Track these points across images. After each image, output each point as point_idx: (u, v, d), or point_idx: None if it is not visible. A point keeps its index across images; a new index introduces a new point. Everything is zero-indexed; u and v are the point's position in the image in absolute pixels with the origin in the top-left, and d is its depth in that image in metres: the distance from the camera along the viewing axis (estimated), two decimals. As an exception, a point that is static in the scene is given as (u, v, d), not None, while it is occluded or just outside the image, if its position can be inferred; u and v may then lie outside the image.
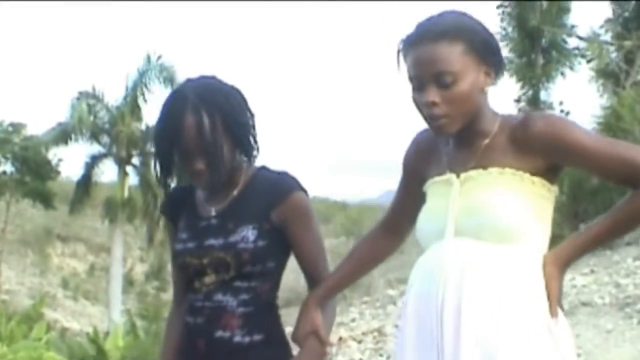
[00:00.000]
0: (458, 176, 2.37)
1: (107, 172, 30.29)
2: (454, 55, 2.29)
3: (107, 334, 20.20)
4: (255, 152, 2.75)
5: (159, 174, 2.78)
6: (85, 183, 29.65)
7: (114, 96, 29.79)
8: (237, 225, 2.68)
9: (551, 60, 23.74)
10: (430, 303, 2.28)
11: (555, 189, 2.36)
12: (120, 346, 16.64)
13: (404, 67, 2.38)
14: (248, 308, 2.67)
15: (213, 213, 2.74)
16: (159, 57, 29.13)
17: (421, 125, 2.42)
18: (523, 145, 2.31)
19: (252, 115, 2.75)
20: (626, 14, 23.46)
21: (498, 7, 24.02)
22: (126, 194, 29.63)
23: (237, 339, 2.65)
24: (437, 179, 2.45)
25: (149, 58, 29.18)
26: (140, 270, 43.17)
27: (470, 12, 2.42)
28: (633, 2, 23.01)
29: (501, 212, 2.25)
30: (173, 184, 2.83)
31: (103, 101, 29.26)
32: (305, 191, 2.75)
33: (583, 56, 23.49)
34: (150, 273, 43.10)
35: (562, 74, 24.01)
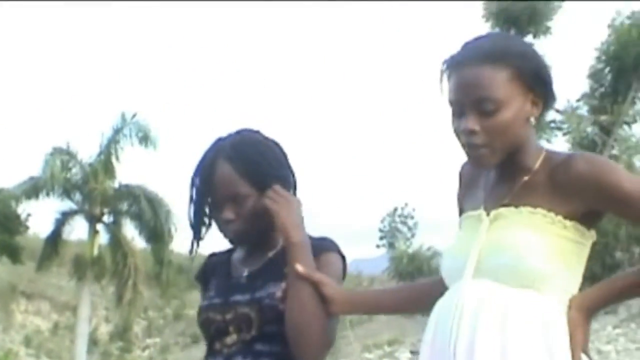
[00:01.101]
0: (489, 213, 2.24)
1: (76, 229, 30.01)
2: (498, 81, 2.14)
3: (70, 393, 19.89)
4: None
5: (192, 221, 2.73)
6: (55, 239, 29.23)
7: (88, 153, 29.61)
8: (266, 282, 2.61)
9: (528, 132, 23.93)
10: (444, 353, 2.15)
11: (592, 234, 2.21)
12: (86, 405, 16.36)
13: (446, 90, 2.23)
14: None
15: (245, 273, 2.68)
16: (134, 115, 28.97)
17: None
18: (562, 186, 2.17)
19: (292, 173, 2.72)
20: (602, 89, 23.94)
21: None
22: (96, 252, 29.28)
23: None
24: (470, 213, 2.32)
25: (123, 116, 29.03)
26: (104, 330, 42.64)
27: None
28: (609, 77, 23.49)
29: (524, 254, 2.11)
30: (204, 233, 2.76)
31: (77, 158, 29.00)
32: (342, 256, 2.68)
33: (559, 129, 23.79)
34: (115, 333, 42.61)
35: (539, 146, 24.22)
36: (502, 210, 2.22)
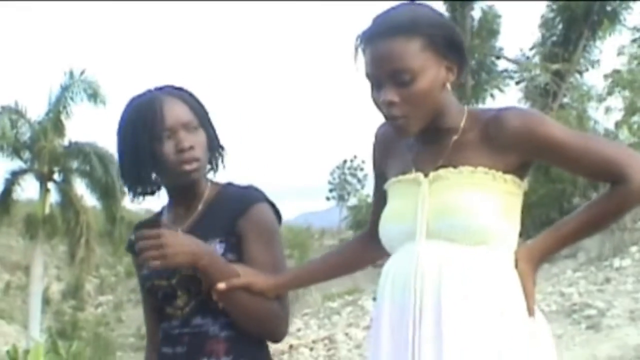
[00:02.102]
0: (426, 175, 2.29)
1: (26, 188, 29.69)
2: (411, 52, 2.19)
3: (26, 352, 19.82)
4: (223, 153, 2.69)
5: (129, 179, 2.64)
6: (5, 199, 28.91)
7: (36, 111, 29.19)
8: (205, 240, 2.51)
9: (480, 81, 24.14)
10: (406, 314, 2.21)
11: (524, 184, 2.29)
12: (42, 364, 16.32)
13: (362, 64, 2.27)
14: (231, 332, 2.51)
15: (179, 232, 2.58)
16: (82, 72, 28.62)
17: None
18: (497, 142, 2.24)
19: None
20: (554, 38, 24.22)
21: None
22: (47, 210, 29.03)
23: None
24: (401, 177, 2.36)
25: (71, 73, 28.65)
26: (56, 289, 42.42)
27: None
28: (560, 27, 23.78)
29: (475, 213, 2.18)
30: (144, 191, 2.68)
31: (25, 116, 28.66)
32: (272, 204, 2.64)
33: (511, 77, 24.06)
34: (67, 292, 42.44)
35: (492, 95, 24.48)
36: (442, 171, 2.27)
